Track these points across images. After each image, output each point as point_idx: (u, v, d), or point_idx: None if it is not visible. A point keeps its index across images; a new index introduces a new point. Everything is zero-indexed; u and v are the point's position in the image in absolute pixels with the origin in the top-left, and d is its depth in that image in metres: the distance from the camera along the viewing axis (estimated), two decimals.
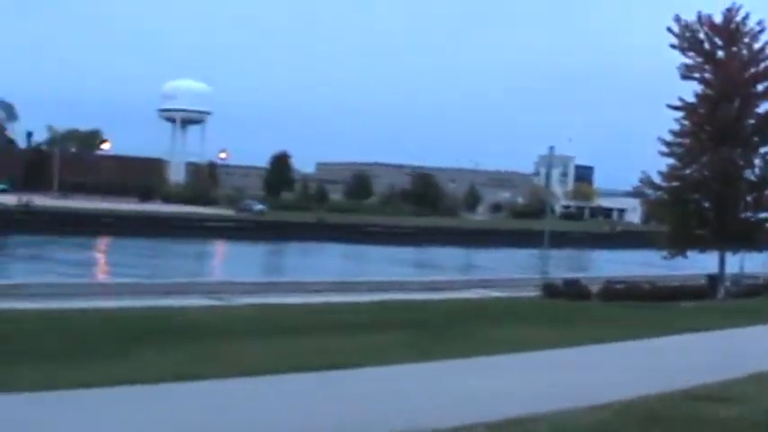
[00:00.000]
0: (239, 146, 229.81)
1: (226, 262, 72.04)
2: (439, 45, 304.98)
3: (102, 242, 78.69)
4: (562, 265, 59.81)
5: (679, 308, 28.44)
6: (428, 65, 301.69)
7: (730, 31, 34.51)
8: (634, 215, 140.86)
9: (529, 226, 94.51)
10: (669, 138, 35.31)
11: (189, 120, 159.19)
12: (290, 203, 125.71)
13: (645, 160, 44.70)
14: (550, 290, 31.98)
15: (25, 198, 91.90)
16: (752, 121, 35.54)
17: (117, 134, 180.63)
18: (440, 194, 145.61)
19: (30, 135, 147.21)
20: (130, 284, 32.46)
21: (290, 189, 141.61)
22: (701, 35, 34.73)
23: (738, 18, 34.32)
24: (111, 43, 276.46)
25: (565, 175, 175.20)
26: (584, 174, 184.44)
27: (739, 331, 20.93)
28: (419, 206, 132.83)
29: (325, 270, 55.78)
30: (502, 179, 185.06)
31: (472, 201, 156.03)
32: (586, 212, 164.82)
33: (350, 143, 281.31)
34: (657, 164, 36.10)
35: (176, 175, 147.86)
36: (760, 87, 35.06)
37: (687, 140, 35.51)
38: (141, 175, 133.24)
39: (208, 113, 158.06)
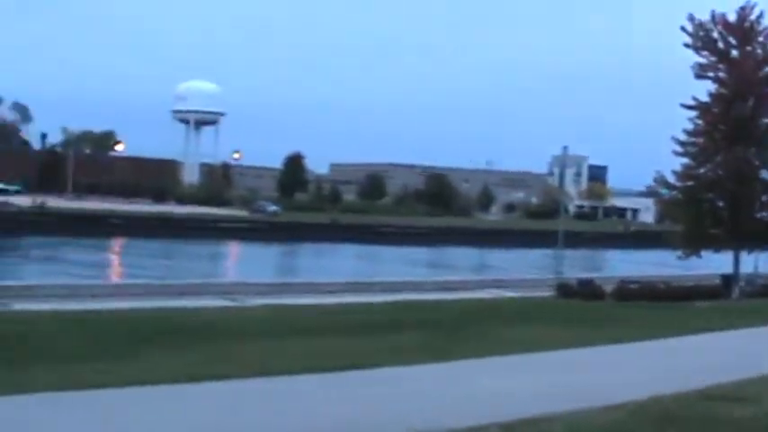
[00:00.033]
0: (253, 147, 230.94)
1: (239, 263, 72.04)
2: (445, 45, 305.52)
3: (116, 243, 78.82)
4: (576, 264, 59.73)
5: (693, 308, 28.35)
6: (434, 65, 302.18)
7: (744, 29, 34.39)
8: (648, 215, 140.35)
9: (542, 226, 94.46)
10: (683, 137, 35.21)
11: (202, 121, 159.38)
12: (303, 204, 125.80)
13: (659, 160, 44.61)
14: (564, 290, 31.91)
15: (39, 199, 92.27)
16: (766, 120, 35.43)
17: (131, 135, 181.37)
18: (453, 195, 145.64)
19: (44, 137, 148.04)
20: (144, 285, 32.52)
21: (303, 190, 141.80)
22: (715, 34, 34.63)
23: (752, 17, 34.21)
24: (125, 46, 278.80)
25: (578, 174, 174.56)
26: (597, 173, 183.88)
27: (754, 331, 20.83)
28: (433, 206, 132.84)
29: (338, 271, 55.72)
30: (515, 179, 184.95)
31: (486, 201, 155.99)
32: (600, 212, 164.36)
33: (363, 144, 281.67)
34: (671, 163, 36.04)
35: (190, 176, 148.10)
36: None
37: (701, 140, 35.38)
38: (155, 177, 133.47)
39: (221, 114, 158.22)
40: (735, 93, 34.61)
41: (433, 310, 24.42)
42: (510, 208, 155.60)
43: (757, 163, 35.62)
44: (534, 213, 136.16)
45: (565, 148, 45.71)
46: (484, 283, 40.03)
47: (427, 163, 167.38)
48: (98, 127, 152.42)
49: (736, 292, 34.19)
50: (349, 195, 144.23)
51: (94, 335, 16.54)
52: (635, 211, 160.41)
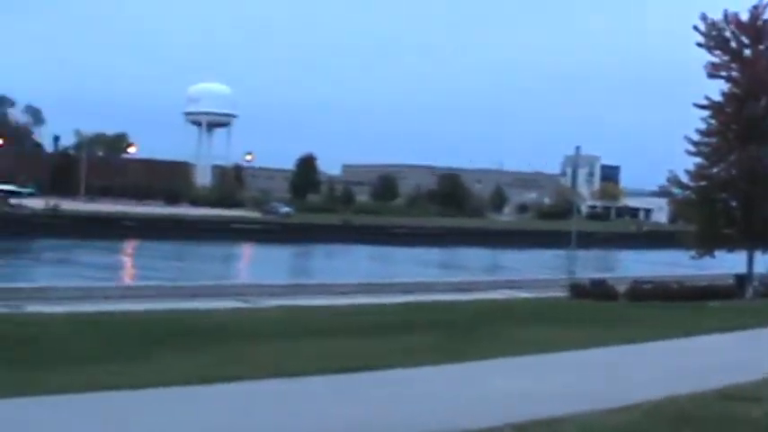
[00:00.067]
0: (265, 148, 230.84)
1: (252, 264, 72.15)
2: (445, 45, 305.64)
3: (129, 245, 78.99)
4: (589, 265, 59.45)
5: (707, 308, 28.25)
6: (435, 65, 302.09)
7: (757, 28, 34.26)
8: (661, 215, 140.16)
9: (555, 226, 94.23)
10: (696, 137, 35.10)
11: (214, 123, 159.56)
12: (316, 205, 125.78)
13: (672, 160, 44.40)
14: (577, 290, 31.84)
15: (52, 202, 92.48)
16: None
17: (143, 138, 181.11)
18: (466, 195, 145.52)
19: (57, 139, 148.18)
20: (157, 287, 32.52)
21: (316, 191, 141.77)
22: (728, 34, 34.50)
23: (765, 16, 34.08)
24: (125, 46, 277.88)
25: (591, 175, 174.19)
26: (610, 174, 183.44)
27: None
28: (445, 207, 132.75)
29: (351, 272, 55.72)
30: (528, 180, 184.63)
31: (498, 201, 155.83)
32: (613, 212, 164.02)
33: (375, 145, 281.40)
34: (684, 163, 35.92)
35: (202, 177, 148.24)
36: None
37: (714, 139, 35.26)
38: (168, 179, 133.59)
39: (233, 116, 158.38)
40: (747, 92, 34.47)
41: (445, 311, 24.40)
42: (523, 208, 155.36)
43: None
44: (547, 214, 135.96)
45: (577, 148, 45.35)
46: (497, 283, 39.95)
47: (440, 164, 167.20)
48: (111, 129, 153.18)
49: (749, 291, 34.06)
50: (361, 196, 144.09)
51: (107, 337, 16.57)
52: (648, 211, 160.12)
